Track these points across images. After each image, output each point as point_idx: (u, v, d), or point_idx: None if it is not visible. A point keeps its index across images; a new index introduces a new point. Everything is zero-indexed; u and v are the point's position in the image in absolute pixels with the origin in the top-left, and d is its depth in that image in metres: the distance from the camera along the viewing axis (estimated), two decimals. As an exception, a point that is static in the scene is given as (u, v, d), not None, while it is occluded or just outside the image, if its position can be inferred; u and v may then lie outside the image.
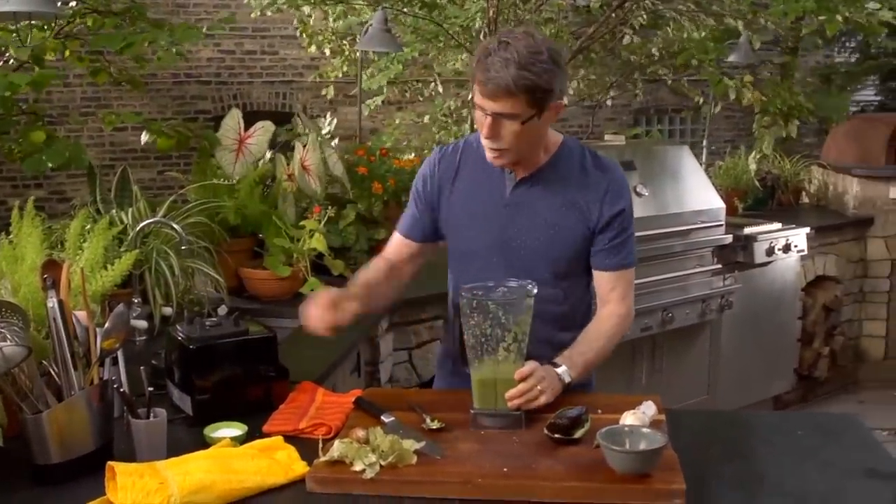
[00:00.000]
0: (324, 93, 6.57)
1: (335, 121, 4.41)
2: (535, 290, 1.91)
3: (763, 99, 5.96)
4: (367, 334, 3.21)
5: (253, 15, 5.90)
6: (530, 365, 1.93)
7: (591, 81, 5.96)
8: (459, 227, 2.21)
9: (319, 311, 1.97)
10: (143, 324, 2.70)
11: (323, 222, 3.33)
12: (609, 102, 6.48)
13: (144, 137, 4.00)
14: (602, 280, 2.19)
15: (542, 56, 1.95)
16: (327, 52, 6.10)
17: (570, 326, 2.16)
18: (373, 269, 2.24)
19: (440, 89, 5.87)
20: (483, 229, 2.17)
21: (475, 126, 2.09)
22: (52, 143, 3.66)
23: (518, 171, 2.14)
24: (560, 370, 2.01)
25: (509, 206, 2.15)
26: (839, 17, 5.46)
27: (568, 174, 2.15)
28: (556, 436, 1.79)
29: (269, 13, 5.75)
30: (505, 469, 1.69)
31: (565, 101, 2.11)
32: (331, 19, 5.86)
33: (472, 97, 2.06)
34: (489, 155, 2.08)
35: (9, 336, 1.68)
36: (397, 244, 2.30)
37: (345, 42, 6.00)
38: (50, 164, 3.51)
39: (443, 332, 2.46)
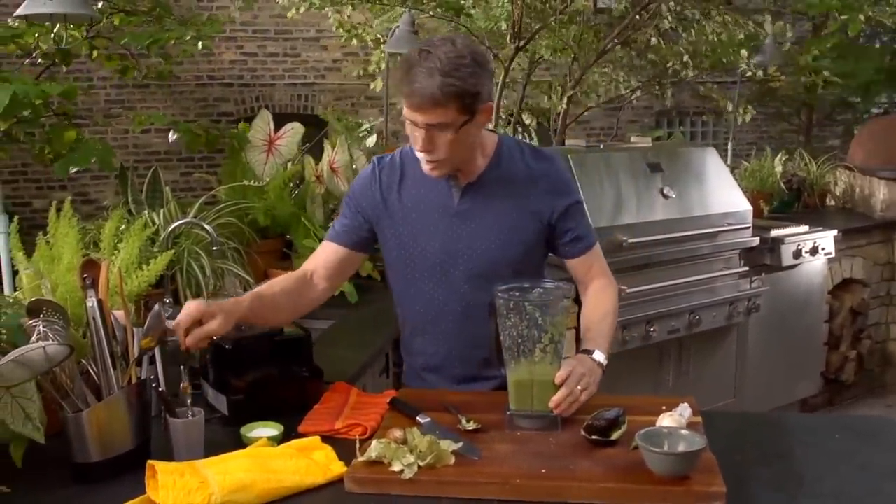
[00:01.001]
0: (371, 86, 6.57)
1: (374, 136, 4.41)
2: (572, 292, 1.90)
3: (788, 81, 5.95)
4: (395, 336, 3.21)
5: (290, 14, 5.92)
6: (567, 367, 1.92)
7: (616, 82, 5.97)
8: (411, 240, 2.16)
9: (184, 329, 1.88)
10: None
11: (351, 224, 3.33)
12: (635, 101, 6.48)
13: (172, 136, 4.02)
14: (576, 265, 2.23)
15: (466, 60, 1.91)
16: (370, 42, 6.11)
17: None
18: (277, 282, 2.15)
19: None
20: (436, 240, 2.14)
21: (410, 137, 2.04)
22: (81, 145, 3.70)
23: (460, 179, 2.13)
24: (597, 356, 2.03)
25: (459, 215, 2.12)
26: (861, 17, 5.44)
27: (512, 173, 2.14)
28: (594, 437, 1.79)
29: (293, 13, 5.77)
30: (543, 470, 1.68)
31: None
32: (375, 21, 5.88)
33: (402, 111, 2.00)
34: (426, 168, 2.05)
35: (51, 335, 1.70)
36: (329, 252, 2.22)
37: (380, 36, 6.02)
38: (77, 167, 3.53)
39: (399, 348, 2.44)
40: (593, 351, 2.04)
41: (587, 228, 2.22)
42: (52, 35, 3.95)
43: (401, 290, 2.25)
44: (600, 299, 2.22)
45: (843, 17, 5.72)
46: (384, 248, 2.23)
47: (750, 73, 5.77)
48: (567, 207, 2.16)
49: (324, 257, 2.22)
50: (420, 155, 2.02)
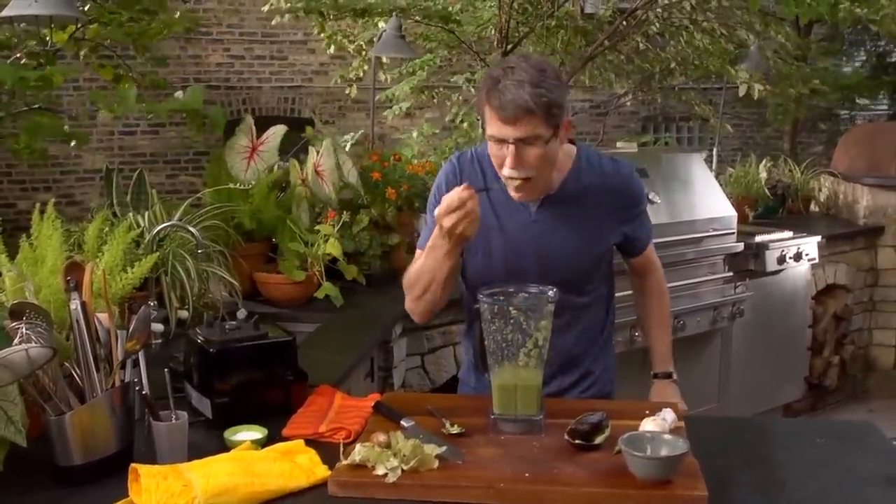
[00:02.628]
0: (347, 91, 6.59)
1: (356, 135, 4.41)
2: (556, 296, 1.91)
3: (776, 91, 6.00)
4: (380, 339, 3.21)
5: (274, 21, 5.93)
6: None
7: (605, 85, 5.99)
8: (487, 245, 2.15)
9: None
10: (159, 327, 2.71)
11: (337, 228, 3.33)
12: (629, 103, 6.52)
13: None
14: (636, 262, 2.36)
15: (548, 73, 1.96)
16: (351, 49, 6.11)
17: (596, 326, 2.29)
18: None
19: (472, 89, 5.92)
20: (514, 244, 2.14)
21: (494, 159, 2.05)
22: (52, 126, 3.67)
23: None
24: (675, 378, 2.36)
25: (537, 223, 2.14)
26: (858, 10, 5.46)
27: (590, 185, 2.17)
28: (577, 441, 1.79)
29: (279, 19, 5.77)
30: (526, 474, 1.68)
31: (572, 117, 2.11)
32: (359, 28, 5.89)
33: (486, 131, 2.01)
34: (515, 192, 2.04)
35: (34, 337, 1.69)
36: None
37: (362, 43, 6.02)
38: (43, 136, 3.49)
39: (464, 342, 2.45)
40: (671, 373, 2.37)
41: (649, 229, 2.32)
42: (40, 34, 3.94)
43: (474, 287, 2.16)
44: (659, 303, 2.42)
45: (836, 12, 5.73)
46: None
47: (744, 85, 5.80)
48: (638, 215, 2.25)
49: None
50: (508, 173, 2.00)
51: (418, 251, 2.18)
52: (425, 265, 2.06)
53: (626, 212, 2.22)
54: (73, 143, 3.66)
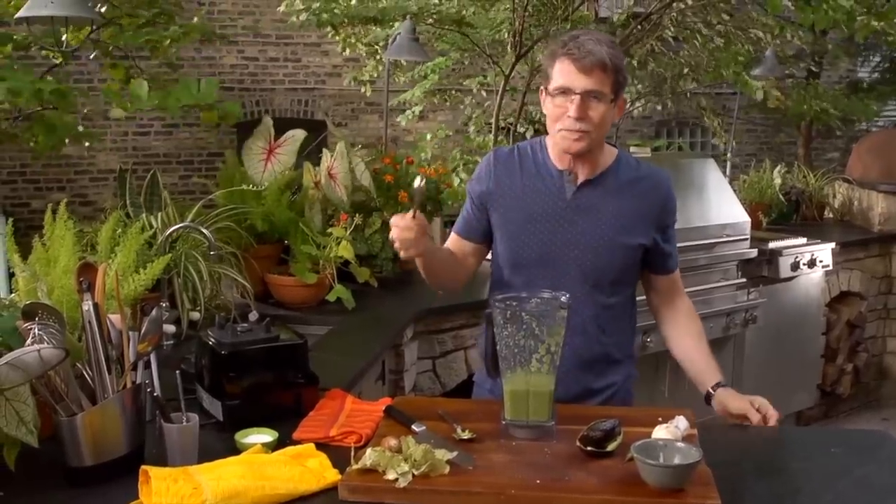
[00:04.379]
0: (363, 90, 6.59)
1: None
2: (569, 302, 1.90)
3: (789, 103, 5.97)
4: (392, 343, 3.21)
5: (292, 19, 5.94)
6: (745, 400, 2.20)
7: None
8: (521, 226, 2.21)
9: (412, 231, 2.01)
10: (171, 328, 2.71)
11: (350, 230, 3.33)
12: (636, 112, 6.49)
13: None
14: (663, 282, 2.34)
15: (616, 47, 2.09)
16: (363, 52, 6.11)
17: (619, 333, 2.29)
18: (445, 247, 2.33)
19: (484, 92, 5.91)
20: (547, 228, 2.19)
21: (552, 115, 2.13)
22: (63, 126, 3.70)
23: (579, 173, 2.19)
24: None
25: (572, 208, 2.18)
26: (875, 24, 5.43)
27: (628, 182, 2.21)
28: (589, 448, 1.78)
29: (294, 20, 5.78)
30: (538, 481, 1.68)
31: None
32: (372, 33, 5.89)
33: (549, 86, 2.10)
34: (571, 138, 2.10)
35: (46, 338, 1.69)
36: (454, 242, 2.32)
37: (377, 46, 6.02)
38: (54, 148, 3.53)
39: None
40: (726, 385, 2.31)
41: (676, 247, 2.33)
42: (54, 34, 3.96)
43: (507, 277, 2.26)
44: (695, 323, 2.36)
45: (858, 18, 5.70)
46: (495, 233, 2.27)
47: (759, 91, 5.78)
48: (669, 225, 2.28)
49: (451, 247, 2.32)
50: (570, 125, 2.08)
51: (452, 234, 2.35)
52: None
53: (659, 217, 2.24)
54: (86, 144, 3.68)
